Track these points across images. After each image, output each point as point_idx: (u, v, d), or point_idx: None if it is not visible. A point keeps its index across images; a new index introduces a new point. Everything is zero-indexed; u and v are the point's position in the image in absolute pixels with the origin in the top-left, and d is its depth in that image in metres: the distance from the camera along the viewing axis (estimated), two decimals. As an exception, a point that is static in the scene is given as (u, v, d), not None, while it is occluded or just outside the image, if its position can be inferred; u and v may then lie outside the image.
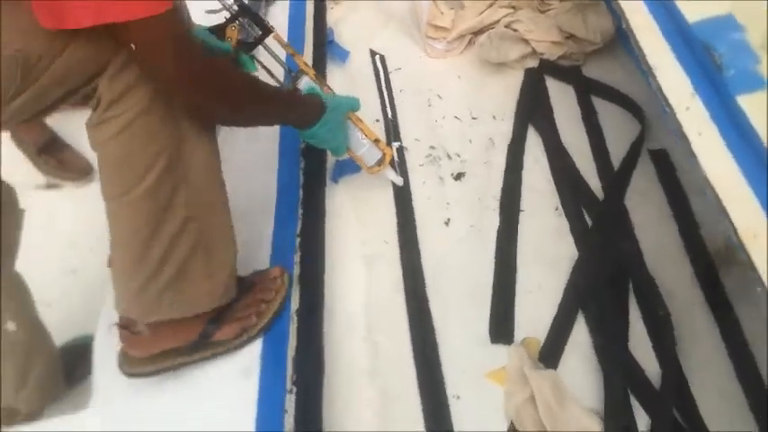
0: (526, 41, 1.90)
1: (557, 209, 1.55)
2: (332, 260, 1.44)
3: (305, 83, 1.38)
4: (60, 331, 1.41)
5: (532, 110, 1.78)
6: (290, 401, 1.17)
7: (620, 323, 1.32)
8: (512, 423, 1.20)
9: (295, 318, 1.28)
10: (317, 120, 1.27)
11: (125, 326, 1.24)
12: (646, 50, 1.19)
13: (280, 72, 1.44)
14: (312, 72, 1.41)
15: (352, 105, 1.39)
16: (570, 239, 1.48)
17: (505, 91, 1.86)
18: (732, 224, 0.91)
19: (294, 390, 1.18)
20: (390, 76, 1.91)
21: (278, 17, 2.04)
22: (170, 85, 1.01)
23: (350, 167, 1.56)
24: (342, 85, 1.86)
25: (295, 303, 1.31)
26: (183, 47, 0.99)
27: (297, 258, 1.39)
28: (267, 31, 1.33)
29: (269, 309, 1.28)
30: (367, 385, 1.25)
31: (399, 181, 1.56)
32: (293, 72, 1.40)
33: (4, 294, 1.26)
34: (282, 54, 1.45)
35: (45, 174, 1.88)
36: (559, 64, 1.90)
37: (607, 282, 1.38)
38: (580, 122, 1.75)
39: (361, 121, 1.41)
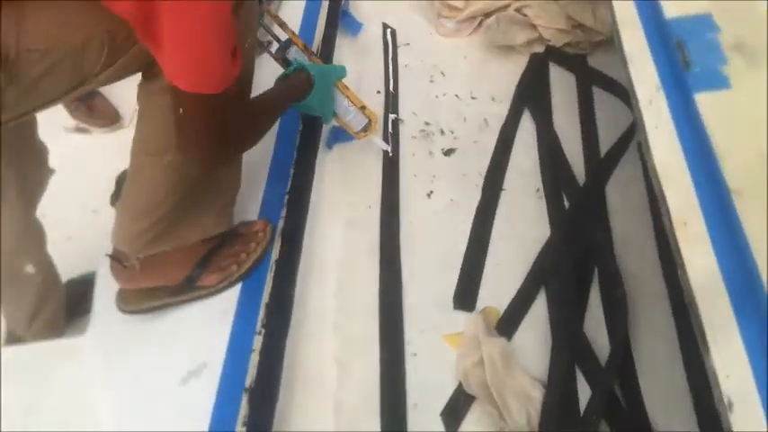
0: (534, 27, 1.95)
1: (538, 190, 1.60)
2: (316, 218, 1.52)
3: (293, 52, 1.45)
4: (75, 265, 1.55)
5: (531, 94, 1.84)
6: (258, 342, 1.25)
7: (578, 301, 1.37)
8: (460, 383, 1.27)
9: (273, 268, 1.36)
10: (307, 94, 1.34)
11: (117, 258, 1.34)
12: (624, 42, 1.24)
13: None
14: (300, 43, 1.48)
15: (339, 73, 1.45)
16: (546, 221, 1.54)
17: (508, 74, 1.91)
18: (668, 211, 0.97)
19: (263, 332, 1.27)
20: (398, 51, 1.97)
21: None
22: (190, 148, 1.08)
23: (344, 135, 1.63)
24: (350, 55, 1.93)
25: (275, 255, 1.38)
26: (225, 128, 1.06)
27: (283, 213, 1.46)
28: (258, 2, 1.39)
29: (248, 259, 1.37)
30: (330, 335, 1.35)
31: (387, 147, 1.63)
32: (282, 43, 1.46)
33: (25, 241, 1.40)
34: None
35: (75, 118, 1.98)
36: (565, 51, 1.94)
37: (573, 262, 1.44)
38: (576, 110, 1.79)
39: (347, 88, 1.48)
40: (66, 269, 1.56)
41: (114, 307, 1.40)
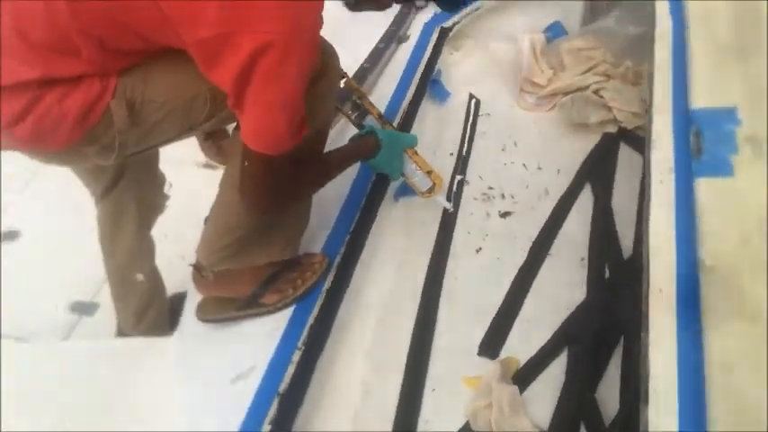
0: (609, 108, 2.06)
1: (582, 259, 1.71)
2: (371, 258, 1.71)
3: (369, 119, 1.68)
4: (184, 279, 1.75)
5: (596, 170, 1.95)
6: (297, 356, 1.44)
7: (596, 366, 1.46)
8: (467, 422, 1.39)
9: (323, 296, 1.56)
10: (373, 156, 1.54)
11: (198, 268, 1.58)
12: (654, 126, 1.35)
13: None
14: (376, 112, 1.69)
15: (409, 141, 1.65)
16: (583, 287, 1.64)
17: (578, 150, 2.03)
18: (648, 277, 1.07)
19: (303, 348, 1.46)
20: (478, 119, 2.15)
21: (402, 55, 2.35)
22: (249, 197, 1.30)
23: (411, 190, 1.81)
24: (434, 118, 2.14)
25: (327, 284, 1.58)
26: (279, 184, 1.25)
27: (342, 250, 1.66)
28: (341, 77, 1.61)
29: (303, 285, 1.57)
30: (362, 359, 1.51)
31: (448, 206, 1.80)
32: (361, 108, 1.70)
33: (138, 253, 1.70)
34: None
35: (206, 155, 2.29)
36: (637, 134, 2.03)
37: (600, 329, 1.52)
38: (637, 191, 1.88)
39: (416, 154, 1.66)
40: (177, 283, 1.84)
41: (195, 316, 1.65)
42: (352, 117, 1.68)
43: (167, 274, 1.85)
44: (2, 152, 1.31)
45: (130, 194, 1.59)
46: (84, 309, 2.08)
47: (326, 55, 1.34)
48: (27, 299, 2.05)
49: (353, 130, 1.64)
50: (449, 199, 1.84)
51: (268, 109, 1.13)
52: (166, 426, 1.41)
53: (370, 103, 1.71)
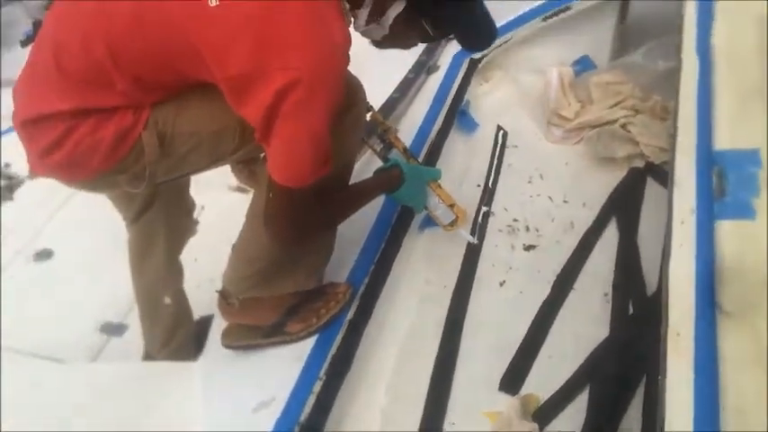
0: (636, 142, 2.06)
1: (606, 294, 1.70)
2: (395, 289, 1.73)
3: (394, 153, 1.70)
4: (211, 303, 1.78)
5: (622, 204, 1.94)
6: (318, 386, 1.46)
7: (618, 404, 1.45)
8: (486, 457, 1.39)
9: (345, 326, 1.58)
10: (397, 189, 1.56)
11: (224, 295, 1.62)
12: (677, 165, 1.35)
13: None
14: (401, 146, 1.72)
15: (433, 175, 1.68)
16: (607, 323, 1.63)
17: (605, 184, 2.03)
18: (667, 320, 1.07)
19: (324, 378, 1.48)
20: (505, 151, 2.17)
21: (432, 85, 2.38)
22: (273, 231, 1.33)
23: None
24: (461, 149, 2.17)
25: (350, 315, 1.61)
26: (301, 216, 1.29)
27: (366, 280, 1.68)
28: (367, 110, 1.63)
29: (327, 314, 1.60)
30: (383, 391, 1.52)
31: (472, 239, 1.81)
32: (387, 142, 1.72)
33: (166, 277, 1.76)
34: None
35: (238, 179, 2.35)
36: (665, 169, 2.02)
37: (623, 366, 1.52)
38: (663, 226, 1.87)
39: (439, 187, 1.68)
40: (204, 306, 1.88)
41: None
42: (378, 150, 1.71)
43: (196, 297, 1.90)
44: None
45: (161, 219, 1.64)
46: (113, 330, 2.14)
47: (352, 89, 1.38)
48: (58, 318, 2.11)
49: (379, 163, 1.67)
50: (473, 232, 1.86)
51: (294, 144, 1.17)
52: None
53: (396, 136, 1.74)
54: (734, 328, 0.99)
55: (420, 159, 2.02)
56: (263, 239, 1.39)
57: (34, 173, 1.33)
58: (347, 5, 1.24)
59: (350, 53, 1.23)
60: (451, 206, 1.69)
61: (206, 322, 1.85)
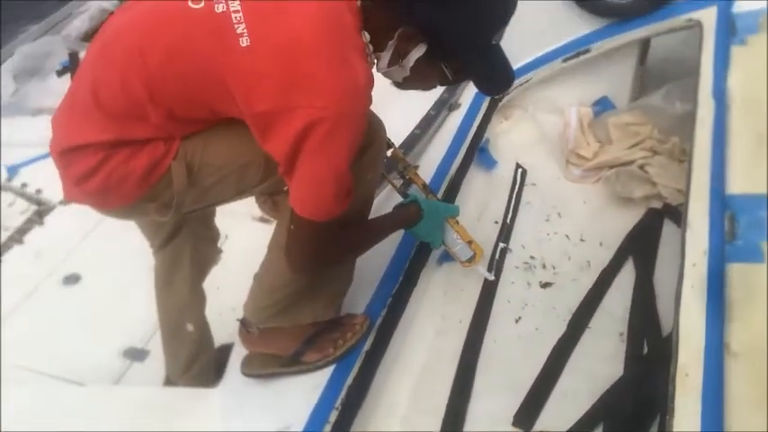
0: (653, 183, 2.09)
1: (621, 334, 1.72)
2: (411, 322, 1.76)
3: (413, 189, 1.73)
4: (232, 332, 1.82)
5: (639, 245, 1.96)
6: (334, 415, 1.49)
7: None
8: (498, 491, 1.41)
9: (362, 357, 1.61)
10: (415, 225, 1.58)
11: (244, 324, 1.66)
12: (690, 209, 1.38)
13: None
14: (420, 183, 1.75)
15: (451, 211, 1.68)
16: (621, 362, 1.64)
17: (622, 224, 2.06)
18: (677, 362, 1.09)
19: (340, 408, 1.51)
20: (524, 189, 2.20)
21: (453, 122, 2.44)
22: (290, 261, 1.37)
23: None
24: (479, 186, 2.20)
25: (367, 346, 1.64)
26: (318, 248, 1.32)
27: (383, 312, 1.72)
28: (388, 146, 1.68)
29: (344, 345, 1.63)
30: (397, 422, 1.56)
31: (489, 276, 1.83)
32: (406, 178, 1.76)
33: (190, 304, 1.80)
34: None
35: (261, 210, 2.40)
36: (681, 210, 2.04)
37: (637, 406, 1.53)
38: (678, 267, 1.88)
39: (457, 224, 1.68)
40: (225, 334, 1.92)
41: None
42: (398, 186, 1.75)
43: (217, 325, 1.93)
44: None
45: (186, 247, 1.69)
46: (135, 355, 2.18)
47: (373, 127, 1.42)
48: (82, 341, 2.16)
49: (398, 198, 1.71)
50: (490, 268, 1.88)
51: (316, 179, 1.22)
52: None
53: (416, 173, 1.77)
54: (741, 368, 1.01)
55: (439, 195, 2.07)
56: (284, 270, 1.43)
57: (69, 199, 1.39)
58: (371, 47, 1.29)
59: (373, 90, 1.28)
60: (469, 243, 1.71)
61: (226, 350, 1.88)
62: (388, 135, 1.58)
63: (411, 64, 1.32)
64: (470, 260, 1.72)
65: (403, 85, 1.41)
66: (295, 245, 1.33)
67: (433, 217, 1.61)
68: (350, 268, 1.64)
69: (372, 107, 1.46)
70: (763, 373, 1.01)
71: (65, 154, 1.32)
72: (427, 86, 1.42)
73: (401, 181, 1.75)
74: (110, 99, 1.27)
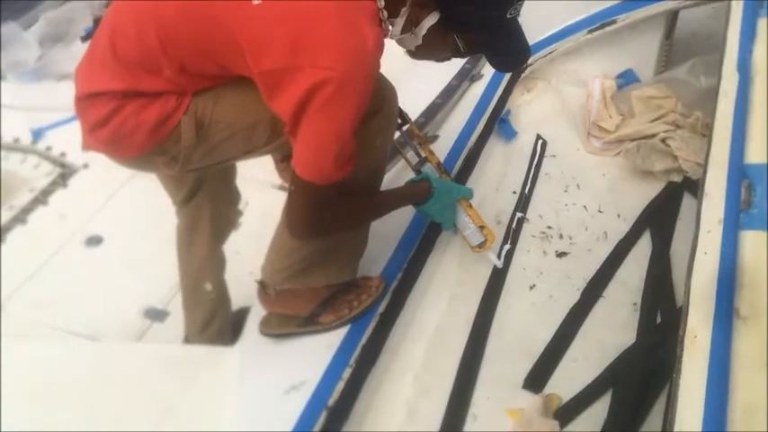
0: (675, 157, 2.08)
1: (635, 304, 1.73)
2: (427, 285, 1.78)
3: (427, 167, 1.70)
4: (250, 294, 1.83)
5: (657, 217, 1.96)
6: (347, 372, 1.52)
7: (640, 409, 1.47)
8: (506, 452, 1.43)
9: (377, 318, 1.64)
10: (424, 202, 1.57)
11: (262, 286, 1.70)
12: (708, 178, 1.38)
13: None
14: (435, 161, 1.71)
15: (464, 193, 1.66)
16: (634, 331, 1.65)
17: (641, 197, 2.06)
18: (686, 323, 1.11)
19: (353, 366, 1.54)
20: (543, 160, 2.21)
21: (475, 93, 2.44)
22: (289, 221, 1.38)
23: None
24: (499, 155, 2.21)
25: (382, 308, 1.66)
26: (317, 213, 1.33)
27: (399, 276, 1.74)
28: (405, 121, 1.69)
29: (359, 307, 1.65)
30: (410, 382, 1.58)
31: (499, 264, 1.80)
32: (421, 158, 1.72)
33: (209, 264, 1.85)
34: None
35: (281, 177, 2.43)
36: (702, 184, 2.03)
37: (647, 373, 1.54)
38: (697, 240, 1.88)
39: (470, 207, 1.66)
40: (243, 298, 1.96)
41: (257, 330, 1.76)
42: (412, 163, 1.72)
43: (235, 289, 1.98)
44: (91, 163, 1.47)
45: (206, 206, 1.74)
46: (156, 315, 2.24)
47: (383, 91, 1.42)
48: (103, 302, 2.22)
49: (410, 175, 1.71)
50: (506, 238, 1.89)
51: (318, 140, 1.23)
52: (220, 423, 1.50)
53: (431, 150, 1.73)
54: (749, 331, 1.02)
55: (458, 164, 2.08)
56: None
57: (86, 147, 1.43)
58: (385, 14, 1.30)
59: (395, 57, 1.29)
60: (481, 228, 1.67)
61: (243, 313, 1.92)
62: (407, 108, 1.58)
63: (423, 32, 1.32)
64: (481, 245, 1.70)
65: (416, 54, 1.41)
66: (293, 207, 1.35)
67: (443, 197, 1.59)
68: (364, 233, 1.66)
69: (394, 75, 1.47)
70: (773, 336, 1.01)
71: (81, 101, 1.37)
72: (440, 57, 1.42)
73: (416, 159, 1.72)
74: (126, 49, 1.30)
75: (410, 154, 1.75)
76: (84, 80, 1.38)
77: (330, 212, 1.36)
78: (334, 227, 1.46)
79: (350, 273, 1.68)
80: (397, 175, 2.01)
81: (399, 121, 1.67)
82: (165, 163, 1.41)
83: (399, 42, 1.39)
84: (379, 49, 1.23)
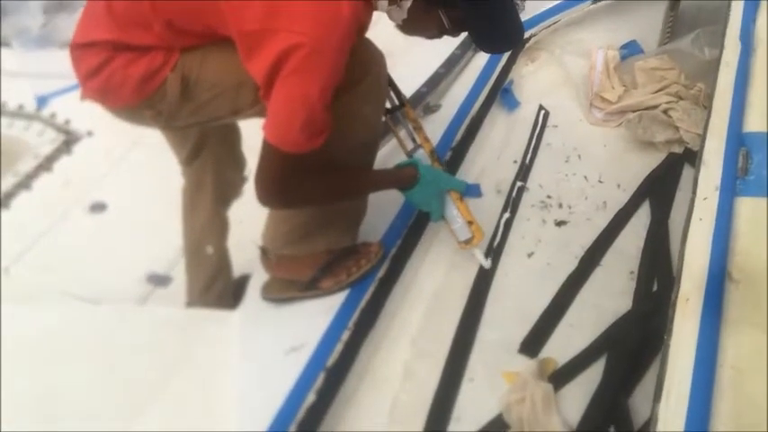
0: (676, 128, 2.08)
1: (632, 272, 1.74)
2: (426, 253, 1.80)
3: (420, 154, 1.68)
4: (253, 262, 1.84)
5: (657, 188, 1.97)
6: (346, 335, 1.55)
7: (633, 373, 1.49)
8: (501, 414, 1.46)
9: (376, 282, 1.66)
10: (410, 188, 1.54)
11: (264, 251, 1.72)
12: (706, 146, 1.39)
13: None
14: (429, 147, 1.68)
15: (454, 184, 1.63)
16: (630, 298, 1.67)
17: (642, 167, 2.06)
18: (678, 287, 1.12)
19: (352, 329, 1.56)
20: (545, 130, 2.21)
21: (478, 63, 2.44)
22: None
23: (473, 190, 1.86)
24: (501, 125, 2.22)
25: (381, 273, 1.69)
26: (285, 181, 1.33)
27: (399, 242, 1.76)
28: (402, 104, 1.69)
29: (358, 272, 1.67)
30: (407, 345, 1.61)
31: (486, 264, 1.74)
32: (415, 143, 1.70)
33: (211, 227, 1.88)
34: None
35: None
36: (702, 154, 2.04)
37: (642, 338, 1.56)
38: (695, 209, 1.89)
39: (460, 200, 1.63)
40: (245, 265, 1.99)
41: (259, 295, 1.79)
42: (406, 148, 1.71)
43: (237, 256, 2.00)
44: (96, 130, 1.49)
45: (210, 168, 1.77)
46: (159, 280, 2.27)
47: (370, 57, 1.43)
48: (106, 267, 2.25)
49: (402, 158, 1.70)
50: (506, 207, 1.91)
51: (287, 104, 1.25)
52: (221, 384, 1.53)
53: (425, 136, 1.71)
54: (740, 294, 1.04)
55: (460, 134, 2.09)
56: None
57: (83, 96, 1.47)
58: None
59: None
60: (470, 223, 1.64)
61: (244, 280, 1.95)
62: (409, 76, 1.58)
63: (408, 5, 1.32)
64: (468, 242, 1.67)
65: (404, 28, 1.42)
66: (259, 170, 1.34)
67: (429, 186, 1.55)
68: (362, 200, 1.67)
69: (397, 45, 1.47)
70: (763, 299, 1.03)
71: (75, 49, 1.41)
72: (426, 34, 1.42)
73: (412, 145, 1.70)
74: (119, 4, 1.35)
75: (404, 133, 1.74)
76: (79, 31, 1.42)
77: (299, 183, 1.36)
78: (305, 198, 1.44)
79: (350, 238, 1.70)
80: (389, 156, 2.00)
81: (396, 102, 1.68)
82: (153, 117, 1.45)
83: (388, 15, 1.38)
84: (355, 18, 1.24)
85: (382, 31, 1.46)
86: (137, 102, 1.40)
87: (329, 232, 1.64)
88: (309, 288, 1.71)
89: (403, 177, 1.56)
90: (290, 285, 1.74)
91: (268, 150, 1.30)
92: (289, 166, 1.31)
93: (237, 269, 2.04)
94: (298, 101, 1.23)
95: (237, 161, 1.84)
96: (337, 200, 1.55)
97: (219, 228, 1.91)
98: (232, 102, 1.44)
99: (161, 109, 1.42)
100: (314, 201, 1.50)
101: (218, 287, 1.96)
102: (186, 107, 1.42)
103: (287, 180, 1.34)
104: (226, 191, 1.84)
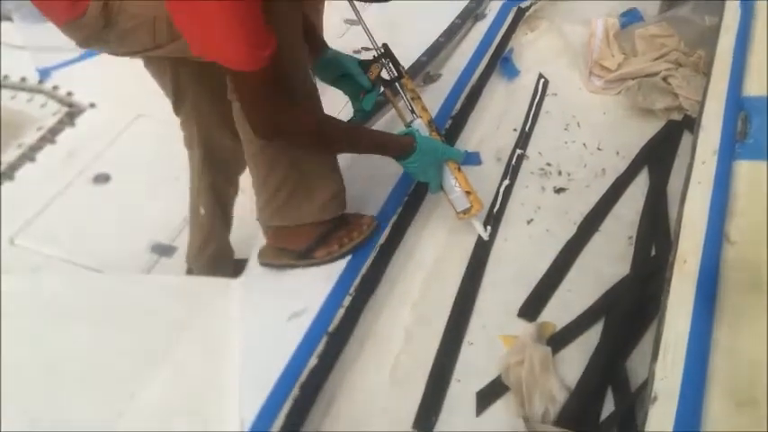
0: (675, 95, 2.08)
1: (630, 238, 1.76)
2: (426, 220, 1.82)
3: (417, 123, 1.68)
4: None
5: (656, 155, 1.98)
6: (347, 300, 1.57)
7: (630, 336, 1.52)
8: (500, 375, 1.49)
9: (377, 249, 1.68)
10: (405, 157, 1.55)
11: (260, 222, 1.74)
12: (705, 111, 1.40)
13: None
14: (427, 118, 1.68)
15: (452, 154, 1.63)
16: (628, 263, 1.69)
17: (641, 134, 2.07)
18: (676, 249, 1.14)
19: (353, 294, 1.59)
20: (545, 99, 2.21)
21: (478, 32, 2.43)
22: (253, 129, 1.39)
23: (472, 158, 1.87)
24: (501, 94, 2.23)
25: (382, 240, 1.70)
26: (270, 102, 1.32)
27: (399, 210, 1.77)
28: (401, 75, 1.69)
29: (349, 243, 1.68)
30: (408, 310, 1.63)
31: (484, 234, 1.76)
32: (414, 115, 1.70)
33: (199, 186, 1.89)
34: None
35: None
36: (702, 121, 2.05)
37: (640, 302, 1.58)
38: (695, 178, 1.91)
39: (458, 170, 1.63)
40: (246, 238, 1.99)
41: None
42: (405, 118, 1.71)
43: (239, 230, 2.04)
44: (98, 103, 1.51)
45: (194, 122, 1.81)
46: (163, 250, 2.29)
47: None
48: (111, 237, 2.27)
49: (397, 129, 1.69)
50: (505, 174, 1.91)
51: (219, 23, 1.20)
52: (224, 350, 1.55)
53: (423, 106, 1.70)
54: (737, 255, 1.05)
55: (460, 102, 2.09)
56: (260, 161, 1.54)
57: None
58: None
59: None
60: (468, 193, 1.64)
61: (243, 263, 1.96)
62: (410, 46, 1.57)
63: None
64: (467, 212, 1.67)
65: None
66: (244, 103, 1.38)
67: (426, 155, 1.56)
68: (331, 167, 1.65)
69: (398, 15, 1.45)
70: (759, 259, 1.05)
71: None
72: None
73: (411, 117, 1.69)
74: None
75: (402, 104, 1.74)
76: None
77: (286, 107, 1.38)
78: (296, 126, 1.45)
79: (336, 208, 1.68)
80: (386, 127, 2.01)
81: (396, 74, 1.68)
82: (84, 39, 1.48)
83: None
84: None
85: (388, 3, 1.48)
86: (69, 22, 1.44)
87: (311, 204, 1.63)
88: (303, 257, 1.72)
89: (400, 144, 1.57)
90: (285, 253, 1.76)
91: (234, 80, 1.33)
92: (263, 84, 1.30)
93: (239, 243, 2.06)
94: (215, 10, 1.19)
95: (225, 123, 1.80)
96: (336, 149, 1.57)
97: (208, 190, 1.92)
98: (150, 36, 1.45)
99: (90, 32, 1.45)
100: (304, 132, 1.48)
101: (211, 250, 1.98)
102: (111, 35, 1.45)
103: (271, 99, 1.34)
104: (214, 152, 1.85)
